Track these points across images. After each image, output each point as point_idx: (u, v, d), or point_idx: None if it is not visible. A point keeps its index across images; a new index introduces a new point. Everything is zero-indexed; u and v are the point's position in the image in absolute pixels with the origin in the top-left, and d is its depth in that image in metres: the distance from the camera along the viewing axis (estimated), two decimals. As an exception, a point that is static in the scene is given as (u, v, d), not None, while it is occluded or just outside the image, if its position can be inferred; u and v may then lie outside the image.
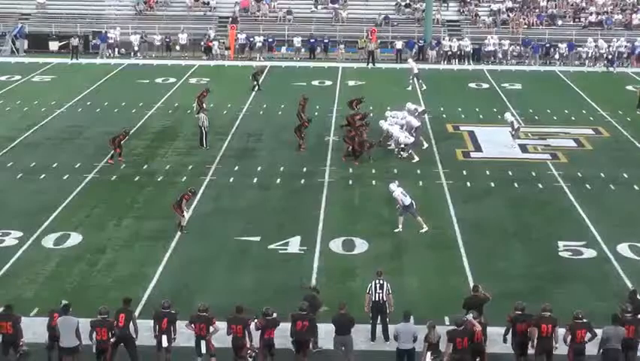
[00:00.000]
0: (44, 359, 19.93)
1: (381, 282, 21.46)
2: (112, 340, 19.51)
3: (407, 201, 28.41)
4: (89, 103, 46.56)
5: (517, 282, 24.52)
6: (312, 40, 61.00)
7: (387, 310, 21.30)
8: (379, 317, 21.33)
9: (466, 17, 66.77)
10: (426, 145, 38.11)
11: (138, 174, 34.34)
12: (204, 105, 41.24)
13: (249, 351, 19.79)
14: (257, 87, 49.31)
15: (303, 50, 61.21)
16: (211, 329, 19.70)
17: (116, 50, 61.67)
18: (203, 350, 19.68)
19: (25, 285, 24.42)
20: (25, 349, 19.92)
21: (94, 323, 19.49)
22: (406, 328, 19.63)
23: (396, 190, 28.58)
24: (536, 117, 44.24)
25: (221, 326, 19.79)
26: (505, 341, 20.24)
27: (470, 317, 19.83)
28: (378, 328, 21.37)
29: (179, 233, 27.93)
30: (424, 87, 49.83)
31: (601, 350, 19.42)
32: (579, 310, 19.66)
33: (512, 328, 19.94)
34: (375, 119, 39.50)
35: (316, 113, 42.39)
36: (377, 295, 21.30)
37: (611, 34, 62.79)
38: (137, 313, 20.96)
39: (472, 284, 23.10)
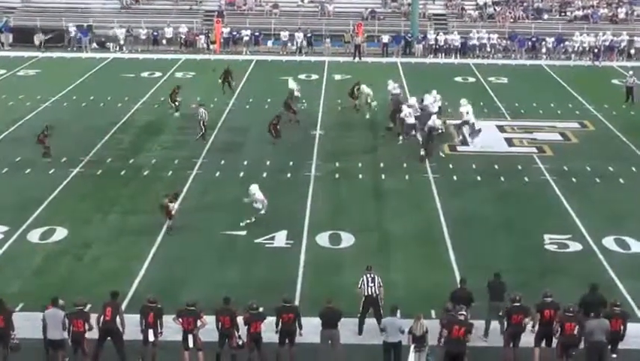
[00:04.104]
0: (33, 353, 19.91)
1: (372, 275, 21.49)
2: (87, 331, 19.56)
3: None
4: (74, 97, 46.41)
5: (504, 275, 24.35)
6: (301, 34, 60.78)
7: (380, 303, 21.32)
8: (372, 310, 21.35)
9: (453, 11, 66.80)
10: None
11: (124, 168, 34.26)
12: (178, 101, 41.85)
13: (237, 341, 19.81)
14: (226, 87, 47.50)
15: (289, 44, 61.09)
16: (199, 323, 19.71)
17: (94, 43, 61.70)
18: (191, 344, 19.68)
19: (11, 280, 24.37)
20: (16, 342, 19.88)
21: (69, 314, 19.51)
22: (392, 322, 19.69)
23: None
24: (522, 111, 44.31)
25: (209, 320, 19.79)
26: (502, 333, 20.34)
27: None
28: (367, 321, 21.39)
29: (165, 228, 27.85)
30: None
31: (586, 343, 19.51)
32: (570, 303, 19.73)
33: (507, 319, 20.00)
34: (366, 112, 39.62)
35: (303, 107, 42.34)
36: (369, 288, 21.33)
37: (597, 28, 62.92)
38: (123, 308, 20.92)
39: (458, 278, 23.16)
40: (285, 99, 41.70)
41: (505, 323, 20.25)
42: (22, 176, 33.30)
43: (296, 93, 43.49)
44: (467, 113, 38.44)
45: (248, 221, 28.01)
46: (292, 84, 43.82)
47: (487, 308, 21.10)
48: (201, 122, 37.72)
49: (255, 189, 28.25)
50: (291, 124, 39.76)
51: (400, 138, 37.44)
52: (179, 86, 43.67)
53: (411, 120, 37.29)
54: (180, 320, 19.77)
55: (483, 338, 21.10)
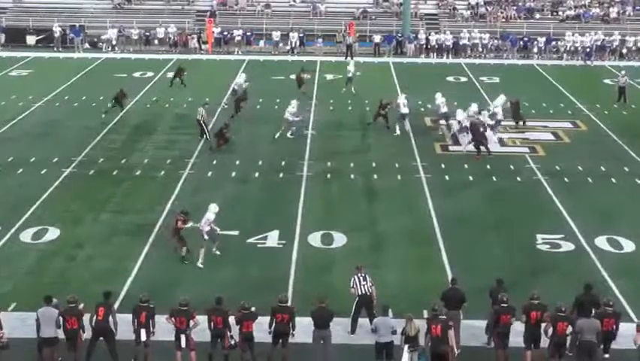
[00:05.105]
0: (22, 352, 19.90)
1: (363, 275, 21.51)
2: (82, 328, 19.56)
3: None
4: (66, 97, 46.35)
5: (496, 275, 24.37)
6: (295, 34, 60.75)
7: (374, 302, 21.34)
8: (365, 310, 21.35)
9: (444, 11, 66.86)
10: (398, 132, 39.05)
11: (116, 168, 34.22)
12: (126, 101, 42.60)
13: (229, 341, 19.81)
14: (172, 83, 48.76)
15: (281, 44, 61.05)
16: (191, 323, 19.69)
17: (86, 43, 61.64)
18: (183, 344, 19.65)
19: (3, 280, 24.32)
20: (4, 341, 19.86)
21: (62, 312, 19.52)
22: (384, 321, 19.68)
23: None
24: (514, 111, 44.34)
25: (202, 320, 19.78)
26: (487, 332, 20.34)
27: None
28: (359, 321, 21.39)
29: (157, 227, 27.79)
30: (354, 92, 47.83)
31: (576, 343, 19.55)
32: (562, 303, 19.72)
33: (496, 320, 20.00)
34: (358, 112, 39.60)
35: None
36: (362, 287, 21.34)
37: (588, 27, 63.04)
38: (116, 307, 20.90)
39: (450, 278, 23.15)
40: (236, 99, 42.32)
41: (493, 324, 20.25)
42: (14, 176, 33.23)
43: (236, 87, 44.64)
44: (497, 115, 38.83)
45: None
46: (240, 78, 45.30)
47: (490, 314, 20.83)
48: (201, 122, 37.59)
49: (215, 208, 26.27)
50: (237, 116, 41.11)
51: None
52: (122, 90, 43.38)
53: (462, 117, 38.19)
54: (173, 319, 19.76)
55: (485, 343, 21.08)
